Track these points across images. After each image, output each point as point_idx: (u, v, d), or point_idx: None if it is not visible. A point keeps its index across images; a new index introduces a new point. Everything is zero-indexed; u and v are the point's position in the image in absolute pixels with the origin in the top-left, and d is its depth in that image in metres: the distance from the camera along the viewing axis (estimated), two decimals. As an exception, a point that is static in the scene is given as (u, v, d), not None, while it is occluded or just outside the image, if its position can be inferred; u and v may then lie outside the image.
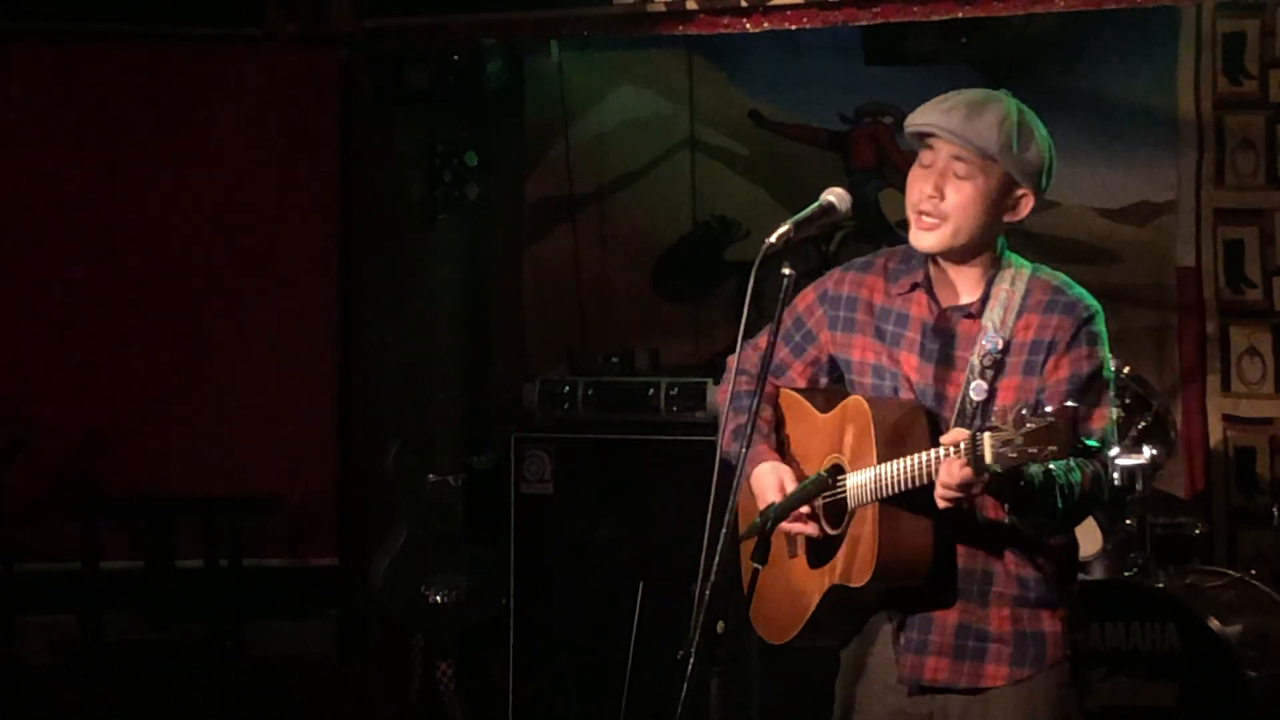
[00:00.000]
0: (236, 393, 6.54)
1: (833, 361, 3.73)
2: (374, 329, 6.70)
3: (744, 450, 3.48)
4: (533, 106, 6.77)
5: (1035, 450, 3.17)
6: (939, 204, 3.53)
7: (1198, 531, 5.60)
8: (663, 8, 6.08)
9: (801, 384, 3.79)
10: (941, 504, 3.36)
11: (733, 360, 3.85)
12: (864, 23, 5.89)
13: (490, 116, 6.62)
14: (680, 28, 6.10)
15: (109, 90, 6.56)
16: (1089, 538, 5.23)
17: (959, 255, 3.58)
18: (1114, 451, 5.14)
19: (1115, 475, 5.23)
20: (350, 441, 6.66)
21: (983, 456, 3.23)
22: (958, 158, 3.52)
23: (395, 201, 6.66)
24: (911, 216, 3.58)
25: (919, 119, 3.57)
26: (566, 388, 6.14)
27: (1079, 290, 3.61)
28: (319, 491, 6.60)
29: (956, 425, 3.49)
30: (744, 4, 5.97)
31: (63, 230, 6.55)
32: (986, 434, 3.22)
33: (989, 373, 3.52)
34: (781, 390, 3.79)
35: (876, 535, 3.47)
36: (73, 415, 6.49)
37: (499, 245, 6.79)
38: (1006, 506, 3.42)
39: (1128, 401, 5.22)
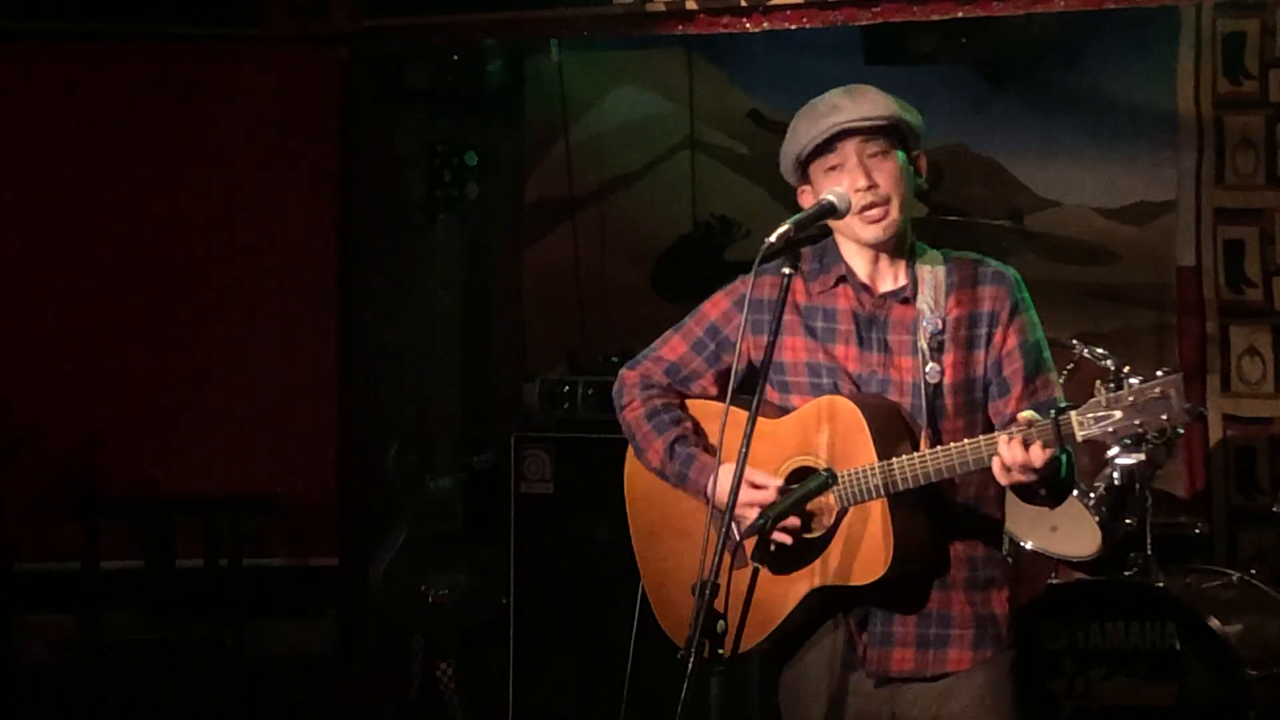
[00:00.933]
0: (236, 393, 6.54)
1: (749, 369, 3.69)
2: (374, 329, 6.70)
3: (743, 452, 3.47)
4: (533, 106, 6.77)
5: (1142, 421, 3.23)
6: (877, 190, 3.58)
7: (1198, 531, 5.60)
8: (663, 8, 6.08)
9: (713, 393, 3.77)
10: (1005, 480, 3.39)
11: (631, 374, 3.85)
12: (864, 23, 5.90)
13: (490, 116, 6.62)
14: (680, 28, 6.10)
15: (109, 90, 6.57)
16: (1089, 538, 5.23)
17: (898, 238, 3.62)
18: (1114, 451, 5.17)
19: (1115, 475, 5.24)
20: (350, 441, 6.66)
21: (1071, 435, 3.29)
22: (867, 140, 3.58)
23: (395, 201, 6.66)
24: (853, 219, 3.59)
25: (813, 133, 3.60)
26: (566, 388, 6.14)
27: (996, 262, 3.68)
28: (319, 491, 6.60)
29: (926, 408, 3.54)
30: (744, 4, 5.97)
31: (63, 230, 6.55)
32: (1071, 413, 3.29)
33: (937, 354, 3.57)
34: (690, 403, 3.79)
35: (889, 530, 3.47)
36: (73, 415, 6.49)
37: (499, 245, 6.79)
38: (1043, 491, 3.48)
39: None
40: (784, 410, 3.66)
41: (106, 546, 6.24)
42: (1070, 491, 3.58)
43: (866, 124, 3.57)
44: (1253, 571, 5.41)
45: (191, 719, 6.11)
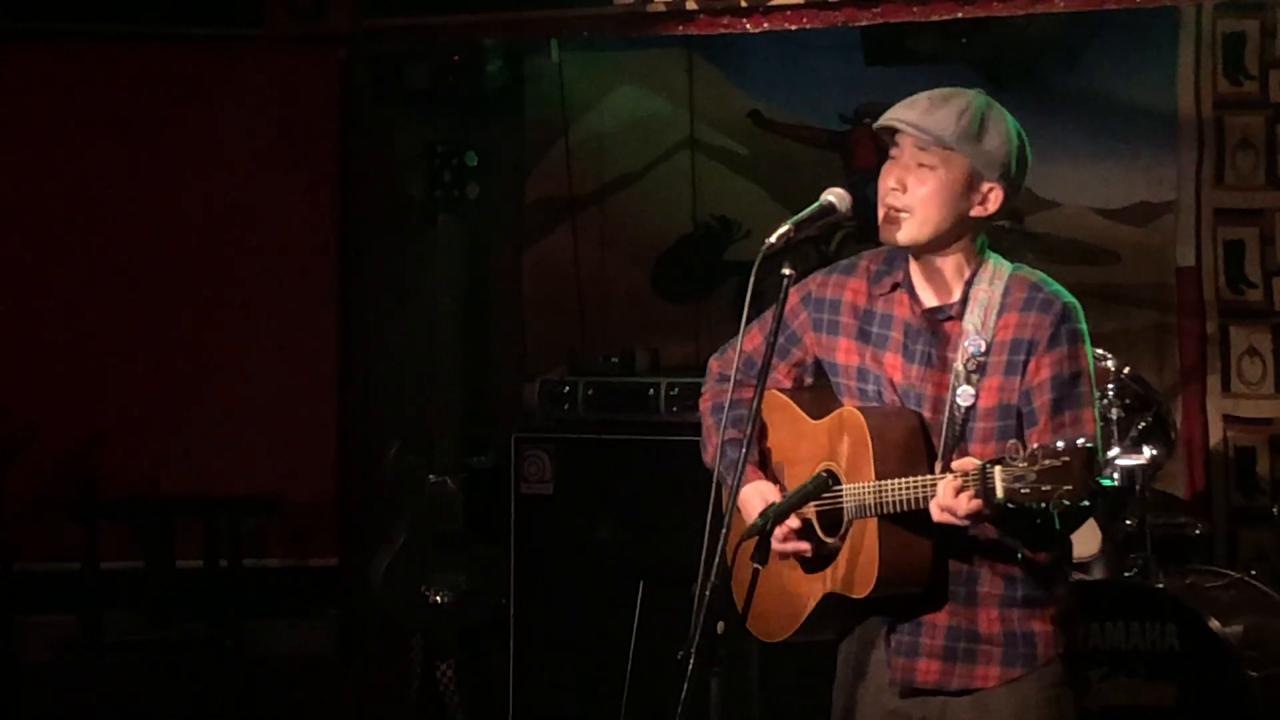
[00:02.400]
0: (236, 393, 6.54)
1: (818, 364, 3.72)
2: (374, 329, 6.70)
3: (743, 454, 3.48)
4: (533, 106, 6.77)
5: (1049, 489, 3.17)
6: (902, 196, 3.54)
7: (1198, 531, 5.60)
8: (663, 8, 6.08)
9: (787, 384, 3.77)
10: (937, 520, 3.36)
11: (716, 365, 3.85)
12: (864, 23, 5.90)
13: (490, 116, 6.62)
14: (680, 28, 6.11)
15: (109, 90, 6.56)
16: (1089, 538, 5.23)
17: (930, 249, 3.58)
18: (1114, 451, 5.17)
19: (1115, 475, 5.24)
20: (350, 441, 6.66)
21: (993, 490, 3.24)
22: (919, 148, 3.53)
23: (395, 201, 6.66)
24: (880, 212, 3.58)
25: (884, 117, 3.58)
26: (566, 388, 6.14)
27: (1056, 287, 3.59)
28: (319, 491, 6.60)
29: (946, 431, 3.49)
30: (744, 4, 5.97)
31: (63, 230, 6.55)
32: (998, 468, 3.23)
33: (974, 377, 3.51)
34: (768, 392, 3.77)
35: (878, 551, 3.46)
36: (73, 415, 6.49)
37: (499, 245, 6.79)
38: (1011, 540, 3.45)
39: (1128, 401, 5.22)
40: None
41: (106, 546, 6.24)
42: (1055, 541, 3.50)
43: (915, 133, 3.52)
44: (1253, 572, 5.41)
45: (191, 719, 6.11)
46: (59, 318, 6.54)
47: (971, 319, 3.54)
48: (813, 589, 3.61)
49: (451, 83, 6.35)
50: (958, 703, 3.57)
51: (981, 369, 3.51)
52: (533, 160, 6.79)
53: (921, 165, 3.52)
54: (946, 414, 3.51)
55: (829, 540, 3.58)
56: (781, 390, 3.76)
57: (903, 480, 3.41)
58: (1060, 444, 3.18)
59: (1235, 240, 6.02)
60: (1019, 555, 3.54)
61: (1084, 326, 3.55)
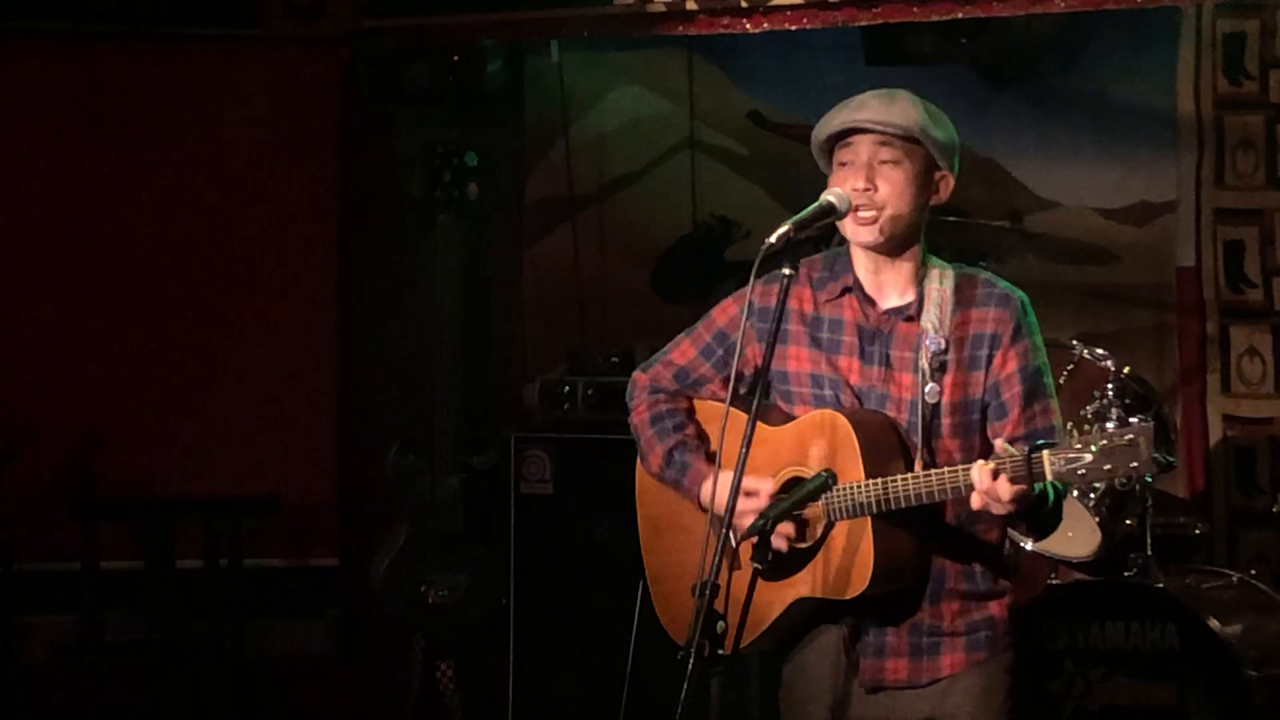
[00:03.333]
0: (236, 393, 6.54)
1: (755, 374, 3.68)
2: (374, 329, 6.70)
3: (743, 454, 3.47)
4: (533, 106, 6.77)
5: (1111, 468, 3.22)
6: (873, 195, 3.57)
7: (1198, 531, 5.60)
8: (663, 8, 6.08)
9: (721, 396, 3.75)
10: (978, 507, 3.39)
11: (642, 377, 3.86)
12: (864, 23, 5.90)
13: (490, 116, 6.62)
14: (680, 28, 6.11)
15: (109, 90, 6.56)
16: (1089, 538, 5.23)
17: (896, 247, 3.61)
18: (1171, 457, 5.22)
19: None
20: (350, 441, 6.66)
21: (1041, 474, 3.28)
22: (882, 144, 3.57)
23: (395, 201, 6.66)
24: (848, 219, 3.59)
25: (832, 124, 3.61)
26: (566, 388, 6.14)
27: (1004, 282, 3.66)
28: (319, 491, 6.60)
29: (922, 428, 3.54)
30: (744, 4, 5.97)
31: (63, 229, 6.55)
32: (1045, 452, 3.28)
33: (938, 374, 3.56)
34: (699, 403, 3.80)
35: (870, 548, 3.48)
36: (73, 415, 6.49)
37: (499, 245, 6.79)
38: (1023, 526, 3.50)
39: (1128, 401, 5.22)
40: (788, 417, 3.67)
41: (106, 546, 6.24)
42: (1053, 529, 3.57)
43: (880, 128, 3.56)
44: (1253, 572, 5.41)
45: (191, 719, 6.11)
46: (59, 318, 6.54)
47: (929, 317, 3.59)
48: (780, 595, 3.60)
49: (451, 83, 6.35)
50: (924, 693, 3.63)
51: (943, 366, 3.56)
52: (533, 160, 6.79)
53: (884, 162, 3.58)
54: (920, 412, 3.54)
55: (800, 546, 3.57)
56: (719, 400, 3.76)
57: (937, 471, 3.43)
58: (1122, 425, 3.24)
59: (1235, 240, 6.02)
60: (979, 551, 3.61)
61: (1035, 319, 3.64)
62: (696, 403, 3.81)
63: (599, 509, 5.96)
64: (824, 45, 6.30)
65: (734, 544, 3.52)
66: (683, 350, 3.79)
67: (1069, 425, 3.34)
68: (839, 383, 3.62)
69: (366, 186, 6.72)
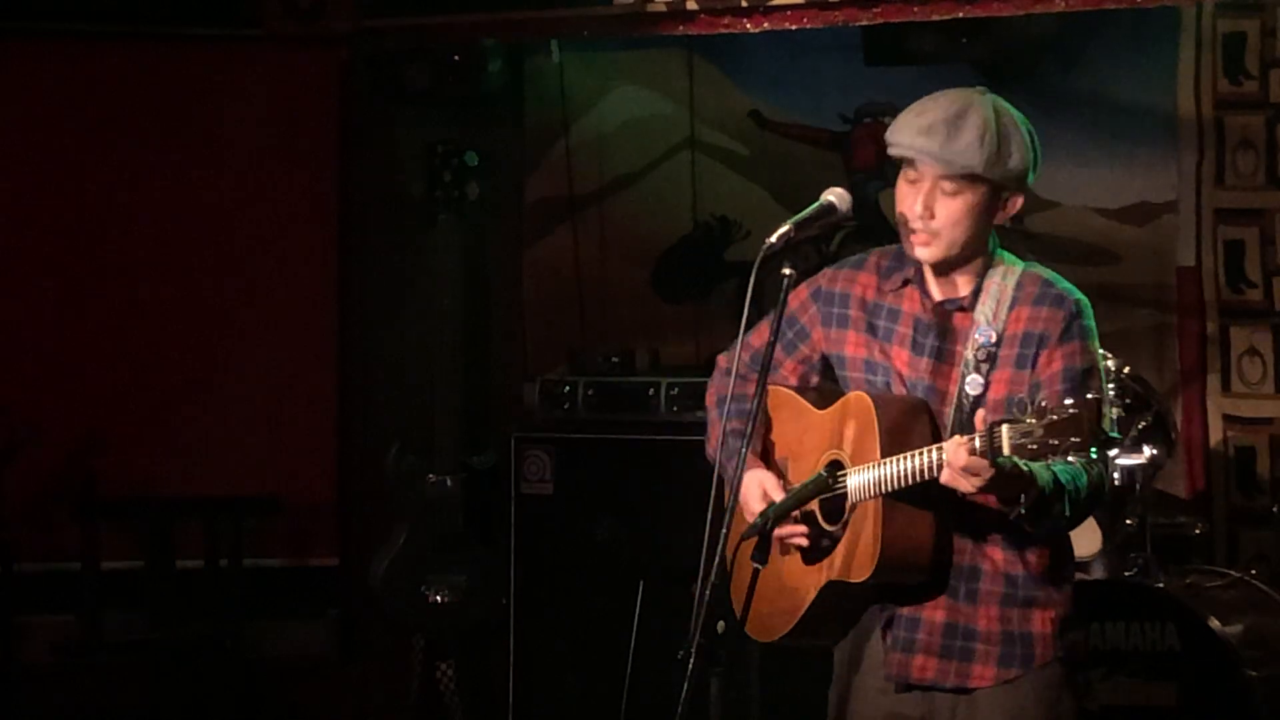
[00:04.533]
0: (236, 393, 6.54)
1: (825, 360, 3.74)
2: (374, 329, 6.70)
3: (744, 449, 3.48)
4: (533, 106, 6.77)
5: (1057, 442, 3.17)
6: (930, 222, 3.55)
7: (1198, 531, 5.60)
8: (663, 8, 6.08)
9: (793, 381, 3.79)
10: (945, 482, 3.33)
11: (723, 359, 3.86)
12: (864, 23, 5.90)
13: (490, 116, 6.62)
14: (680, 28, 6.11)
15: (109, 90, 6.56)
16: (1089, 538, 5.23)
17: (955, 263, 3.60)
18: (1113, 451, 5.17)
19: (1115, 475, 5.23)
20: (350, 441, 6.66)
21: (1000, 448, 3.22)
22: (945, 177, 3.53)
23: (395, 201, 6.66)
24: (902, 230, 3.59)
25: (900, 140, 3.56)
26: (566, 388, 6.14)
27: (1066, 284, 3.63)
28: (319, 491, 6.60)
29: (954, 420, 3.51)
30: (744, 4, 5.97)
31: (63, 229, 6.55)
32: (1005, 425, 3.22)
33: (983, 366, 3.53)
34: (772, 389, 3.79)
35: (878, 531, 3.47)
36: (73, 415, 6.49)
37: (499, 245, 6.79)
38: (1016, 513, 3.40)
39: (1128, 401, 5.22)
40: None
41: (106, 546, 6.24)
42: (1059, 520, 3.46)
43: (940, 166, 3.51)
44: (1253, 571, 5.40)
45: (191, 719, 6.11)
46: (59, 317, 6.54)
47: (983, 310, 3.56)
48: (813, 580, 3.61)
49: (451, 83, 6.34)
50: (951, 700, 3.58)
51: (991, 360, 3.53)
52: (533, 160, 6.79)
53: (945, 193, 3.54)
54: (954, 403, 3.53)
55: (830, 529, 3.58)
56: (787, 387, 3.77)
57: (909, 452, 3.41)
58: (1069, 400, 3.19)
59: (1235, 240, 6.01)
60: (1024, 556, 3.54)
61: (1093, 324, 3.58)
62: (770, 389, 3.77)
63: (599, 509, 5.96)
64: (824, 45, 6.30)
65: (739, 540, 3.52)
66: (759, 333, 3.75)
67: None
68: (891, 370, 3.62)
69: (366, 186, 6.72)
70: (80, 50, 6.54)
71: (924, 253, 3.57)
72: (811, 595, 3.61)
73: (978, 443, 3.26)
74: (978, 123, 3.53)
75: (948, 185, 3.53)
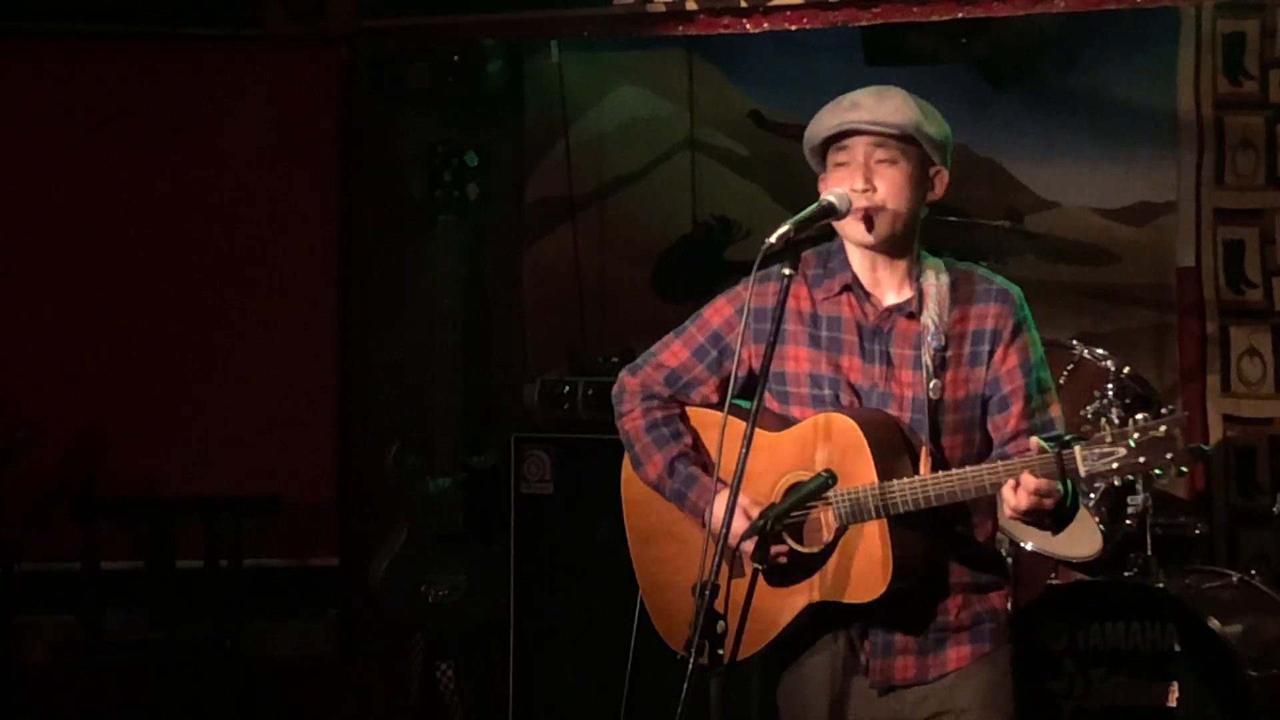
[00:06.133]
0: (236, 393, 6.54)
1: (750, 376, 3.65)
2: (374, 329, 6.70)
3: (738, 474, 3.46)
4: (533, 106, 6.77)
5: (1146, 460, 3.22)
6: (873, 195, 3.57)
7: (1198, 531, 5.59)
8: (663, 8, 6.08)
9: (714, 400, 3.75)
10: (1025, 506, 3.37)
11: (631, 380, 3.80)
12: (864, 23, 5.90)
13: (490, 116, 6.62)
14: (680, 28, 6.11)
15: (109, 90, 6.57)
16: (1089, 538, 5.23)
17: (893, 245, 3.61)
18: (1206, 446, 5.23)
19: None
20: (350, 441, 6.66)
21: (1075, 470, 3.29)
22: (878, 144, 3.57)
23: (395, 201, 6.66)
24: (847, 218, 3.58)
25: (824, 123, 3.62)
26: (566, 388, 6.14)
27: (1000, 278, 3.68)
28: (319, 491, 6.60)
29: (929, 426, 3.54)
30: (744, 4, 5.97)
31: (62, 229, 6.55)
32: (1077, 447, 3.28)
33: (940, 371, 3.56)
34: (695, 410, 3.77)
35: (889, 552, 3.47)
36: (73, 415, 6.49)
37: (499, 245, 6.79)
38: (1048, 520, 3.47)
39: (1128, 401, 5.22)
40: (784, 420, 3.64)
41: (106, 546, 6.24)
42: (1070, 521, 3.55)
43: (877, 128, 3.56)
44: (1253, 572, 5.41)
45: (191, 719, 6.11)
46: (59, 317, 6.55)
47: (929, 314, 3.59)
48: (791, 602, 3.59)
49: (451, 83, 6.35)
50: (933, 688, 3.63)
51: (944, 363, 3.57)
52: (533, 160, 6.79)
53: (881, 161, 3.57)
54: (926, 410, 3.54)
55: (807, 550, 3.56)
56: (709, 406, 3.74)
57: (961, 471, 3.43)
58: (1156, 418, 3.24)
59: (1235, 240, 6.01)
60: (979, 545, 3.63)
61: (1030, 312, 3.65)
62: (689, 410, 3.77)
63: (599, 509, 5.93)
64: (824, 45, 6.30)
65: (734, 545, 3.51)
66: (674, 351, 3.75)
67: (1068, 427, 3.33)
68: (839, 382, 3.61)
69: (366, 186, 6.73)
70: (80, 50, 6.54)
71: (870, 232, 3.56)
72: (788, 617, 3.60)
73: (1038, 466, 3.32)
74: (898, 95, 3.62)
75: (882, 153, 3.57)
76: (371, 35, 6.48)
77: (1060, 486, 3.39)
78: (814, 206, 3.56)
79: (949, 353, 3.57)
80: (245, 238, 6.62)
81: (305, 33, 6.56)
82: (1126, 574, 5.21)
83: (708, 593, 3.33)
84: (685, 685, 3.31)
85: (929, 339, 3.56)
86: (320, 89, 6.65)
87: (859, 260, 3.64)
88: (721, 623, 3.34)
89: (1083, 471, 3.27)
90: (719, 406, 3.71)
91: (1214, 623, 5.00)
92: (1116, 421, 5.12)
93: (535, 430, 6.11)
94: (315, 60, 6.63)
